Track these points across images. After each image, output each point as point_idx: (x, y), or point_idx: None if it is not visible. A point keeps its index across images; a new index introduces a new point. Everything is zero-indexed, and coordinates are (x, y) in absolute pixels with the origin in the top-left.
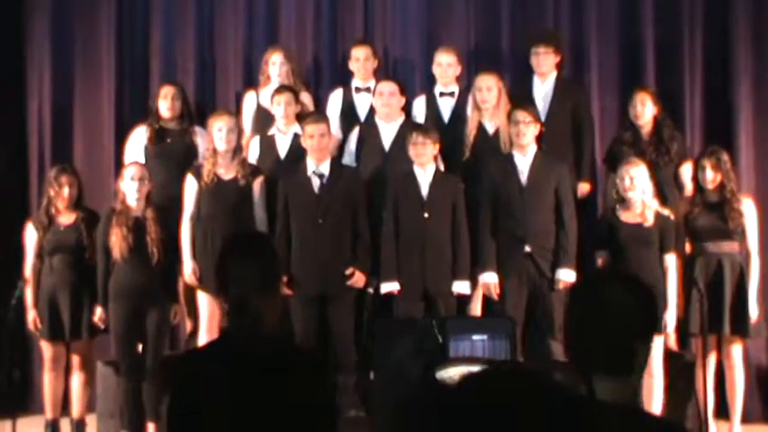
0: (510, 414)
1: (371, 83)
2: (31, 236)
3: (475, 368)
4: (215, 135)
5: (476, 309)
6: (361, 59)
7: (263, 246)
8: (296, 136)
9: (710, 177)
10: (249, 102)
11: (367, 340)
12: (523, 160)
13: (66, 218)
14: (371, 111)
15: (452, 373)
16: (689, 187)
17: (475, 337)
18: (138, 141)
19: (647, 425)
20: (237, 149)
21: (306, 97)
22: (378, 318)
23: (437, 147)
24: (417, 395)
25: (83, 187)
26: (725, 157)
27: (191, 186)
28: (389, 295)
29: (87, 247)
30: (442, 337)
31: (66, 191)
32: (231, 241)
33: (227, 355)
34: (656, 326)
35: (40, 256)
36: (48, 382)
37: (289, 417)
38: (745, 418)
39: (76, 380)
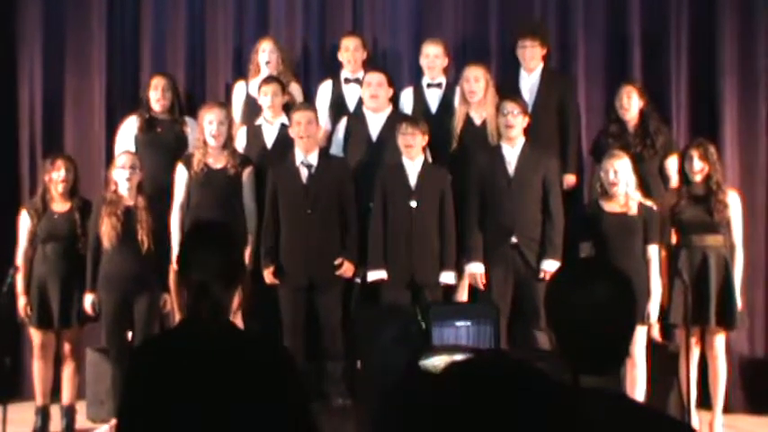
0: (493, 402)
1: (361, 74)
2: (24, 223)
3: (458, 356)
4: (206, 127)
5: (461, 298)
6: (350, 50)
7: (226, 235)
8: (283, 126)
9: (698, 167)
10: (239, 92)
11: (354, 329)
12: (511, 152)
13: (61, 206)
14: (360, 102)
15: (436, 361)
16: (674, 179)
17: (459, 324)
18: (128, 131)
19: (633, 412)
20: (228, 140)
21: (295, 88)
22: (363, 306)
23: (426, 138)
24: (401, 383)
25: (78, 176)
26: (711, 148)
27: (181, 175)
28: (377, 283)
29: (80, 236)
30: (426, 324)
31: (62, 179)
32: (195, 228)
33: (185, 343)
34: (638, 319)
35: (32, 243)
36: (37, 370)
37: (246, 403)
38: (727, 408)
39: (66, 367)
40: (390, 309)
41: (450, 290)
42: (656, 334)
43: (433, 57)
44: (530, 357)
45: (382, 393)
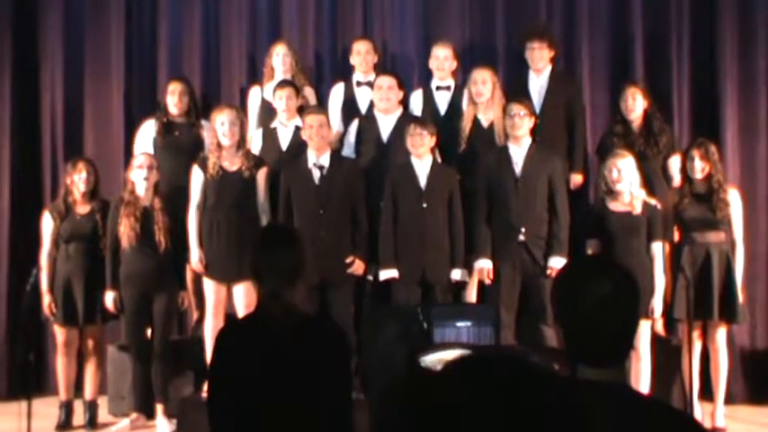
0: (493, 396)
1: (372, 77)
2: (47, 224)
3: (456, 353)
4: (218, 129)
5: (471, 295)
6: (362, 53)
7: (293, 238)
8: (297, 129)
9: (699, 167)
10: (254, 97)
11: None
12: (518, 152)
13: (83, 207)
14: (372, 104)
15: (435, 358)
16: (677, 179)
17: (460, 324)
18: (147, 134)
19: (638, 403)
20: (241, 141)
21: (309, 92)
22: (372, 304)
23: (434, 138)
24: (402, 380)
25: (99, 178)
26: (713, 148)
27: (197, 177)
28: (388, 282)
29: (102, 236)
30: (428, 324)
31: (83, 181)
32: (264, 233)
33: (262, 328)
34: (641, 313)
35: (55, 243)
36: (61, 366)
37: (310, 372)
38: (729, 399)
39: (89, 363)
40: (394, 308)
41: (460, 286)
42: (659, 329)
43: (441, 59)
44: (524, 352)
45: (382, 391)
